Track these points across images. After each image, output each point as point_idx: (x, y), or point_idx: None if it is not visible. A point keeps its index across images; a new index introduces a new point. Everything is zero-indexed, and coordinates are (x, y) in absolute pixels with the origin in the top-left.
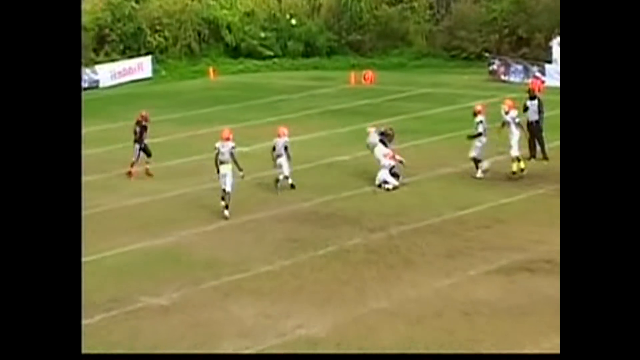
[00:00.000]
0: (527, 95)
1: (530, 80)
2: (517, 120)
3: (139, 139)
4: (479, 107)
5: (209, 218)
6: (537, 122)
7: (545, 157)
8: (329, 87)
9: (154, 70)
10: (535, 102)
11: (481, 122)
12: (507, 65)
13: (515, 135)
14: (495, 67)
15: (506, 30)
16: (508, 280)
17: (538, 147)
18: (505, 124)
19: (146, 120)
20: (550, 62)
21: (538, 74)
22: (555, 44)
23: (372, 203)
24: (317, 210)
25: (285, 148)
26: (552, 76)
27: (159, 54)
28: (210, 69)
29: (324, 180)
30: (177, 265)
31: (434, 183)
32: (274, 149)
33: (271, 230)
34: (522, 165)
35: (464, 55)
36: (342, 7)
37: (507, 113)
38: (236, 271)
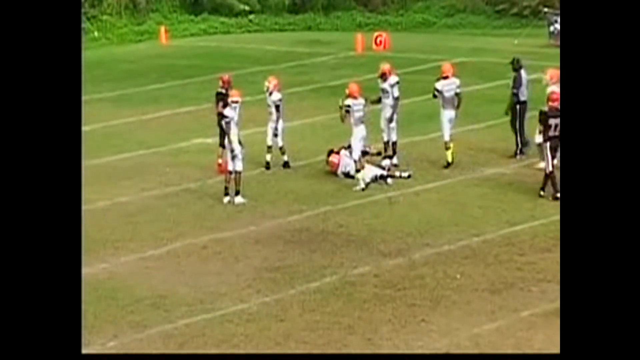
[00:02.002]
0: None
1: None
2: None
3: None
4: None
5: (158, 237)
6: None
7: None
8: (326, 55)
9: (83, 31)
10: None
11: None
12: None
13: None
14: (557, 27)
15: None
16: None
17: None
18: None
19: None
20: None
21: None
22: None
23: (387, 217)
24: (309, 226)
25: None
26: None
27: (89, 8)
28: (162, 30)
29: (319, 185)
30: (111, 305)
31: (472, 189)
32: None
33: (245, 255)
34: None
35: (515, 10)
36: None
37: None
38: (196, 312)
